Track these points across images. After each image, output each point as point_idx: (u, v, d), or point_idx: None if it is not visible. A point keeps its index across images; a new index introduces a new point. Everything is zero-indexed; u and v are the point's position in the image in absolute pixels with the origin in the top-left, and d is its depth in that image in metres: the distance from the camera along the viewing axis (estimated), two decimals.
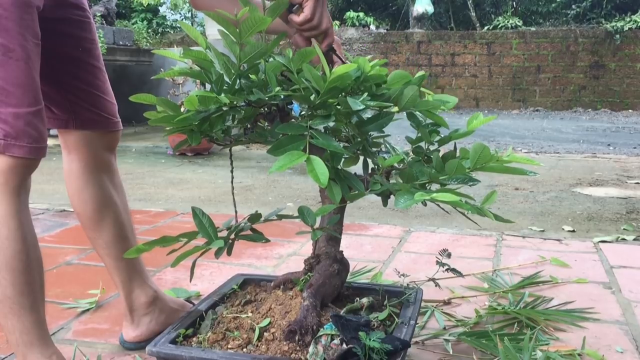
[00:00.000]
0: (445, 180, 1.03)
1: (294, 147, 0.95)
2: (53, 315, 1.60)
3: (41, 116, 1.12)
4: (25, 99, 1.08)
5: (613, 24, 9.78)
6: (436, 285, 1.52)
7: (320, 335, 1.01)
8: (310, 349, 0.99)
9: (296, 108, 1.16)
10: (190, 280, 1.19)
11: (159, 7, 10.16)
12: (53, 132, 1.20)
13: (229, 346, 1.05)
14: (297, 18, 1.09)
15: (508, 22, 10.47)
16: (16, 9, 1.05)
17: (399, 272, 1.44)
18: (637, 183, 3.85)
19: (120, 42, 6.99)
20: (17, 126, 1.08)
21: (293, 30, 1.14)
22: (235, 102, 1.02)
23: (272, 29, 1.16)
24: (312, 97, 1.00)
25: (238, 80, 1.01)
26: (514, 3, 11.49)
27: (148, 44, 7.78)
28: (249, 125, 1.14)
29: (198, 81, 1.06)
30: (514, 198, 3.37)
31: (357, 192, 1.06)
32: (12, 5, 1.05)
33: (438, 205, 1.02)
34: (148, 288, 1.44)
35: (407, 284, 1.34)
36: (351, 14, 11.20)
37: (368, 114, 1.08)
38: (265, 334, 1.06)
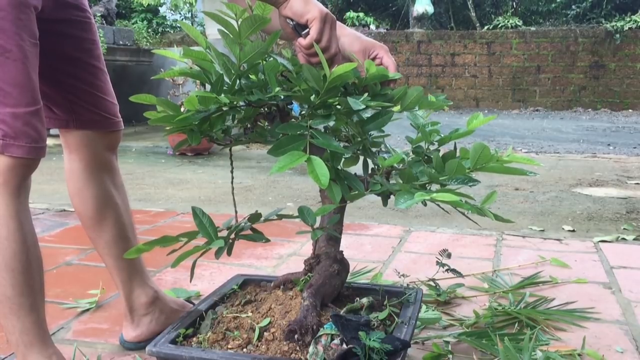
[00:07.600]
0: (445, 180, 1.03)
1: (294, 147, 0.95)
2: (53, 315, 1.60)
3: (40, 116, 1.11)
4: (23, 99, 1.08)
5: (613, 23, 9.78)
6: (436, 286, 1.53)
7: (320, 335, 1.01)
8: (310, 349, 0.99)
9: (296, 108, 1.16)
10: (191, 281, 1.19)
11: (159, 7, 10.18)
12: (54, 131, 1.20)
13: (229, 346, 1.05)
14: (304, 41, 1.02)
15: (508, 22, 10.47)
16: (13, 9, 1.05)
17: (399, 272, 1.44)
18: (637, 183, 3.85)
19: (120, 42, 7.00)
20: (15, 126, 1.07)
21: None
22: (235, 102, 1.02)
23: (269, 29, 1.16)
24: (312, 97, 1.00)
25: (238, 81, 1.01)
26: (514, 3, 11.49)
27: (148, 44, 7.79)
28: (249, 125, 1.14)
29: (198, 81, 1.06)
30: (514, 198, 3.37)
31: (357, 192, 1.06)
32: (9, 5, 1.05)
33: (438, 205, 1.02)
34: (148, 288, 1.44)
35: (407, 284, 1.34)
36: (351, 14, 11.20)
37: (368, 113, 1.08)
38: (265, 333, 1.06)
